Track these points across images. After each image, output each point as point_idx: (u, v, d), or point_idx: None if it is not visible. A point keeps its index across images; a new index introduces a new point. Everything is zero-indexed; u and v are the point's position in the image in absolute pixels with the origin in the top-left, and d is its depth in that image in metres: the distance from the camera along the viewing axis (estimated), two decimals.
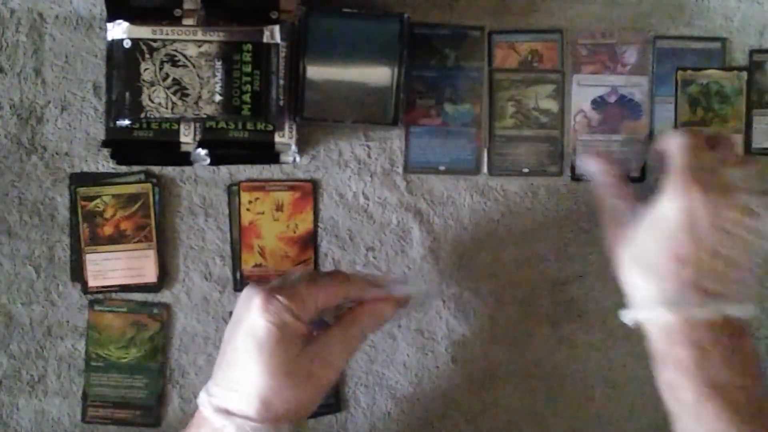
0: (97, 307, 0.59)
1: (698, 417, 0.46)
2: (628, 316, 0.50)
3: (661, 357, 0.48)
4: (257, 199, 0.59)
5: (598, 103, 0.59)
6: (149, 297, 0.59)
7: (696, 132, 0.52)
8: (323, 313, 0.51)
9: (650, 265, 0.48)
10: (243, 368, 0.47)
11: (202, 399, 0.48)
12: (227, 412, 0.46)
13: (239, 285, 0.59)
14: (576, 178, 0.59)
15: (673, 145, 0.50)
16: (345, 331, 0.49)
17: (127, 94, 0.52)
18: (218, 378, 0.48)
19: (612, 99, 0.59)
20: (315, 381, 0.47)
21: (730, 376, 0.46)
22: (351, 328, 0.49)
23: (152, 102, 0.52)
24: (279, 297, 0.46)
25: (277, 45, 0.53)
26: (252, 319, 0.46)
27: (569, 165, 0.59)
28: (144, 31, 0.52)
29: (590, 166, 0.57)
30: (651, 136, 0.59)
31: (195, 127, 0.55)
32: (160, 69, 0.52)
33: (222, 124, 0.55)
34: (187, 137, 0.56)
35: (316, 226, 0.59)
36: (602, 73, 0.59)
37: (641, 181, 0.59)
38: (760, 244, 0.48)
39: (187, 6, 0.53)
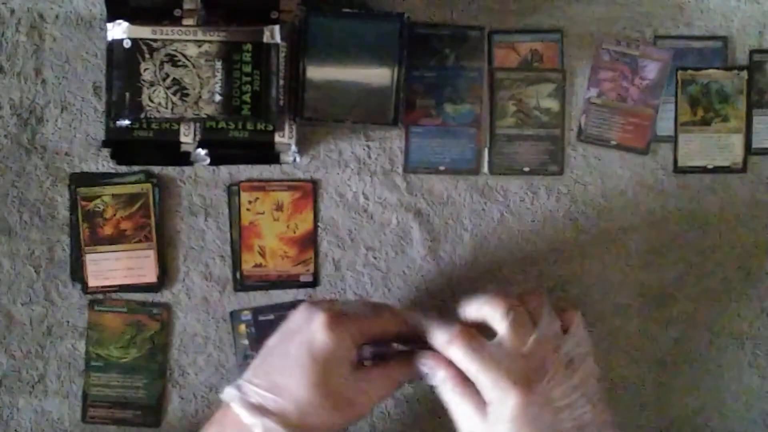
0: (97, 307, 0.59)
1: None
2: None
3: None
4: (257, 199, 0.59)
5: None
6: (149, 297, 0.59)
7: (470, 333, 0.49)
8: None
9: None
10: (289, 375, 0.47)
11: (231, 395, 0.48)
12: (260, 410, 0.47)
13: (239, 285, 0.59)
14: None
15: (457, 355, 0.48)
16: (391, 373, 0.51)
17: (127, 94, 0.52)
18: (257, 379, 0.48)
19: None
20: (350, 409, 0.48)
21: None
22: (396, 373, 0.51)
23: (152, 102, 0.52)
24: (345, 323, 0.48)
25: (277, 45, 0.53)
26: (313, 332, 0.48)
27: (569, 164, 0.59)
28: (144, 31, 0.52)
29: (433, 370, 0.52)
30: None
31: (195, 127, 0.55)
32: (160, 69, 0.52)
33: (222, 124, 0.55)
34: (187, 137, 0.56)
35: (316, 226, 0.59)
36: (617, 81, 0.59)
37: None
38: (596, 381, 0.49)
39: (187, 6, 0.53)
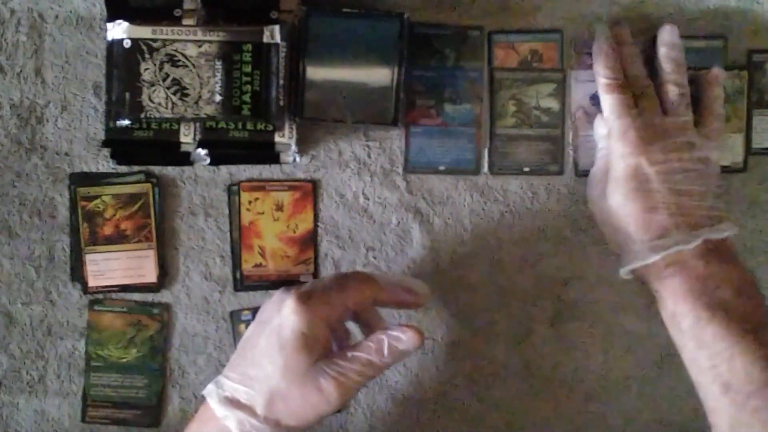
0: (97, 307, 0.59)
1: (699, 340, 0.48)
2: (624, 271, 0.53)
3: (660, 295, 0.51)
4: (257, 199, 0.59)
5: (598, 99, 0.59)
6: (149, 297, 0.59)
7: (615, 73, 0.54)
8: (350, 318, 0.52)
9: (628, 222, 0.51)
10: (259, 365, 0.47)
11: (209, 390, 0.49)
12: (233, 403, 0.47)
13: (239, 285, 0.59)
14: (580, 174, 0.59)
15: (605, 106, 0.54)
16: (365, 355, 0.48)
17: (127, 94, 0.52)
18: (231, 372, 0.49)
19: None
20: (321, 397, 0.47)
21: (725, 297, 0.48)
22: (371, 354, 0.48)
23: (152, 102, 0.52)
24: (312, 300, 0.47)
25: (277, 45, 0.53)
26: (282, 318, 0.47)
27: (571, 163, 0.59)
28: (144, 31, 0.52)
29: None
30: None
31: (195, 127, 0.55)
32: (160, 69, 0.52)
33: (222, 124, 0.55)
34: (187, 137, 0.56)
35: (316, 226, 0.59)
36: None
37: None
38: (710, 169, 0.52)
39: (187, 6, 0.53)
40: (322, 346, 0.48)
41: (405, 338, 0.48)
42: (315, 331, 0.47)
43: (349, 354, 0.48)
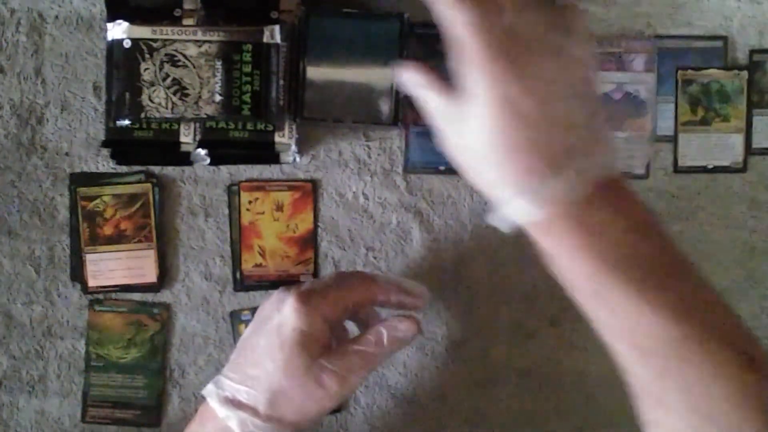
0: (97, 307, 0.59)
1: (609, 306, 0.40)
2: (494, 219, 0.41)
3: (549, 253, 0.41)
4: (257, 199, 0.59)
5: (604, 101, 0.59)
6: (149, 297, 0.59)
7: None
8: (349, 317, 0.52)
9: (495, 162, 0.39)
10: (260, 364, 0.47)
11: (209, 390, 0.48)
12: (234, 403, 0.47)
13: (239, 285, 0.59)
14: None
15: (456, 22, 0.40)
16: (364, 348, 0.48)
17: (127, 94, 0.52)
18: (231, 372, 0.48)
19: (617, 96, 0.59)
20: (324, 392, 0.47)
21: (626, 246, 0.39)
22: (370, 346, 0.48)
23: (152, 102, 0.52)
24: (312, 299, 0.47)
25: (277, 45, 0.53)
26: (282, 317, 0.47)
27: None
28: (144, 31, 0.52)
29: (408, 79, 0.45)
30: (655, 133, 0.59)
31: (195, 127, 0.55)
32: (160, 69, 0.52)
33: (222, 124, 0.55)
34: (187, 137, 0.56)
35: (316, 226, 0.59)
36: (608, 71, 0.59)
37: (645, 178, 0.59)
38: (585, 85, 0.40)
39: (187, 6, 0.53)
40: (322, 344, 0.48)
41: (403, 327, 0.49)
42: (315, 329, 0.47)
43: (349, 348, 0.48)
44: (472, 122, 0.40)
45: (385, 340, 0.48)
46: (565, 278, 0.41)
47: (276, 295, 0.50)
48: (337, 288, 0.49)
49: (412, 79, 0.44)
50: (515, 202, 0.39)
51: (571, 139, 0.38)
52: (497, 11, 0.39)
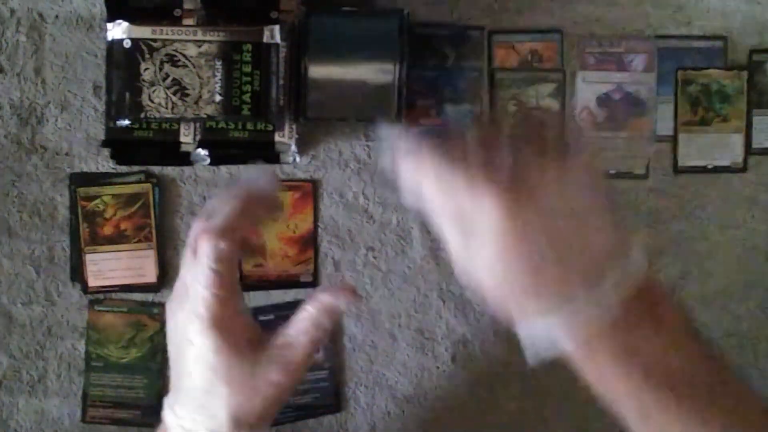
0: (97, 307, 0.59)
1: (656, 423, 0.38)
2: (525, 351, 0.39)
3: (584, 372, 0.39)
4: None
5: (603, 100, 0.59)
6: (149, 297, 0.59)
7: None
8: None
9: (516, 285, 0.38)
10: (206, 390, 0.44)
11: (170, 421, 0.45)
12: None
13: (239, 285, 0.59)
14: None
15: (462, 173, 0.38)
16: (297, 331, 0.44)
17: (127, 94, 0.52)
18: (181, 399, 0.45)
19: (617, 96, 0.59)
20: (279, 388, 0.44)
21: (669, 363, 0.37)
22: (309, 330, 0.44)
23: (152, 102, 0.52)
24: (213, 310, 0.43)
25: (277, 45, 0.53)
26: (196, 343, 0.43)
27: None
28: (144, 31, 0.52)
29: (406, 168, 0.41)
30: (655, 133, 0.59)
31: (195, 127, 0.55)
32: (160, 69, 0.52)
33: (222, 124, 0.55)
34: (187, 137, 0.56)
35: (316, 226, 0.59)
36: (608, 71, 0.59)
37: (645, 178, 0.59)
38: (595, 191, 0.38)
39: (187, 6, 0.53)
40: (250, 340, 0.44)
41: (341, 301, 0.44)
42: (232, 336, 0.43)
43: (288, 337, 0.45)
44: (489, 253, 0.38)
45: (324, 320, 0.44)
46: (603, 394, 0.39)
47: (170, 313, 0.45)
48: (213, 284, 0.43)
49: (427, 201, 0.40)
50: (550, 329, 0.37)
51: (600, 249, 0.37)
52: (498, 155, 0.38)
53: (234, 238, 0.43)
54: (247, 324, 0.45)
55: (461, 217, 0.39)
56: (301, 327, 0.45)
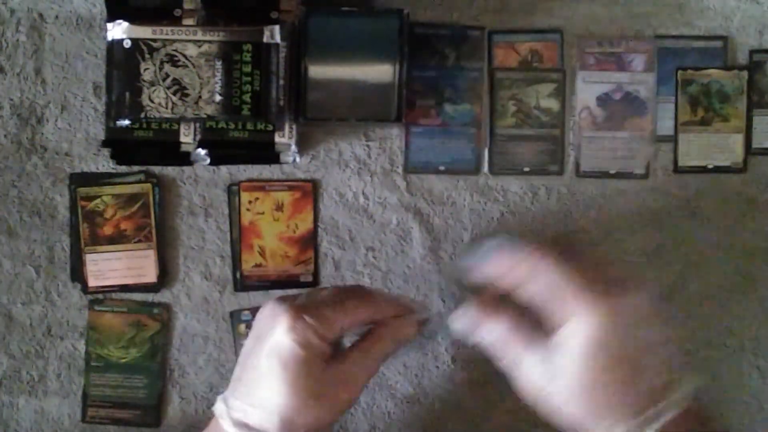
0: (97, 307, 0.59)
1: None
2: None
3: None
4: (257, 199, 0.59)
5: (604, 100, 0.59)
6: (149, 297, 0.59)
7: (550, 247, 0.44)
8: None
9: (593, 404, 0.42)
10: (266, 387, 0.46)
11: (220, 410, 0.47)
12: (247, 427, 0.46)
13: (239, 285, 0.59)
14: (581, 174, 0.59)
15: (542, 266, 0.43)
16: (366, 353, 0.48)
17: (127, 94, 0.52)
18: (239, 392, 0.47)
19: (617, 96, 0.59)
20: (336, 401, 0.47)
21: None
22: (372, 350, 0.48)
23: (152, 102, 0.52)
24: (306, 317, 0.46)
25: (277, 45, 0.53)
26: (277, 338, 0.46)
27: (571, 163, 0.59)
28: (144, 31, 0.52)
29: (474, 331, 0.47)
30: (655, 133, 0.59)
31: (195, 127, 0.55)
32: (160, 69, 0.52)
33: (222, 124, 0.55)
34: (187, 137, 0.56)
35: (316, 226, 0.59)
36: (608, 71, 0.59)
37: (645, 178, 0.59)
38: (667, 329, 0.44)
39: (187, 6, 0.53)
40: (324, 357, 0.47)
41: (403, 329, 0.49)
42: (313, 348, 0.46)
43: (351, 354, 0.48)
44: (566, 363, 0.42)
45: (386, 343, 0.49)
46: None
47: (269, 308, 0.48)
48: (334, 308, 0.47)
49: (492, 333, 0.46)
50: None
51: (666, 369, 0.42)
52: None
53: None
54: (323, 346, 0.47)
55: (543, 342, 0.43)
56: (367, 350, 0.48)
